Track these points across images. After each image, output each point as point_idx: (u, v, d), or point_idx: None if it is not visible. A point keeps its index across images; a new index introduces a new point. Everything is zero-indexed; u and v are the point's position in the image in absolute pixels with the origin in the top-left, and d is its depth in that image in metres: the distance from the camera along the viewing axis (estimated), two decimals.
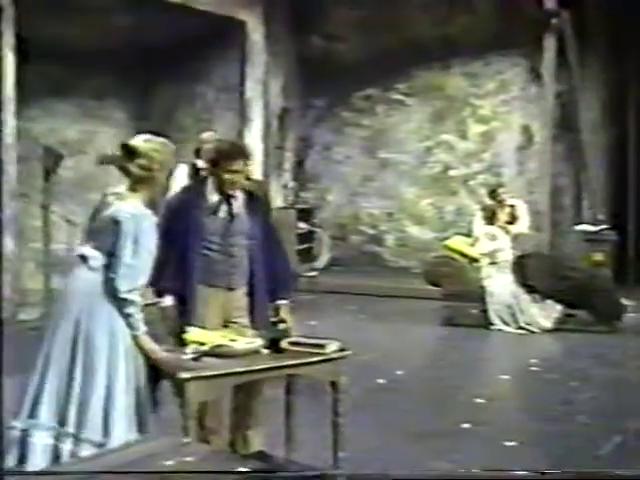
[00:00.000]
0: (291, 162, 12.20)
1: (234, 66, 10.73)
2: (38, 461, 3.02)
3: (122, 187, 3.37)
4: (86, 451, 3.01)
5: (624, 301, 7.93)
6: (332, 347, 3.51)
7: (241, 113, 10.62)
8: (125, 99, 11.94)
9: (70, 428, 3.07)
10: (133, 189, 3.31)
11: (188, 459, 2.29)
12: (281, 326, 3.53)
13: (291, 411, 3.89)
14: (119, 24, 10.11)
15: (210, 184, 3.80)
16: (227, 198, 3.77)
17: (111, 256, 3.20)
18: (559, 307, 7.85)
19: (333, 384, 3.55)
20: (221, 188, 3.74)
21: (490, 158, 11.67)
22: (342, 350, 3.55)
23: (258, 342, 3.48)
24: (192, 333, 3.46)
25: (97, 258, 3.24)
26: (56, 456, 3.05)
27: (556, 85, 10.57)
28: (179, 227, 3.68)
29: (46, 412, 3.09)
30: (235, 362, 3.32)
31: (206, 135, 6.37)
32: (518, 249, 8.34)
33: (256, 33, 10.63)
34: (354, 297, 9.86)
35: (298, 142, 12.51)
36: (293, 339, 3.51)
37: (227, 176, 3.70)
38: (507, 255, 8.14)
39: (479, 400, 5.15)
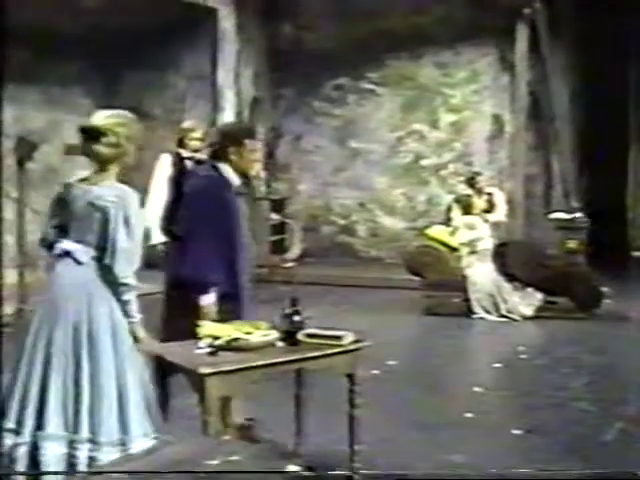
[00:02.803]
0: (262, 152, 12.03)
1: (205, 54, 10.53)
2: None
3: (85, 172, 3.19)
4: (106, 454, 2.90)
5: (602, 288, 8.00)
6: (349, 339, 3.44)
7: (213, 102, 10.43)
8: (91, 86, 11.60)
9: (84, 433, 2.93)
10: (104, 170, 3.14)
11: (234, 458, 2.18)
12: (296, 318, 3.42)
13: (301, 403, 3.81)
14: (86, 8, 9.81)
15: (227, 168, 3.71)
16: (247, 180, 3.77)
17: (102, 245, 3.06)
18: (539, 295, 7.89)
19: (349, 376, 3.48)
20: (244, 170, 3.71)
21: (461, 147, 11.70)
22: (358, 341, 3.48)
23: (274, 335, 3.38)
24: (206, 326, 3.35)
25: (84, 251, 3.08)
26: (71, 464, 2.91)
27: (527, 74, 10.64)
28: (222, 212, 3.59)
29: (54, 421, 2.94)
30: (252, 356, 3.22)
31: (188, 124, 6.19)
32: (496, 237, 8.38)
33: (227, 21, 10.46)
34: (331, 288, 9.78)
35: (269, 132, 12.36)
36: (309, 331, 3.42)
37: (251, 155, 3.69)
38: (487, 244, 8.15)
39: (477, 389, 5.13)
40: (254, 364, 3.15)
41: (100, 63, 11.40)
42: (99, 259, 3.08)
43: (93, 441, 2.93)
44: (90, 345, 3.00)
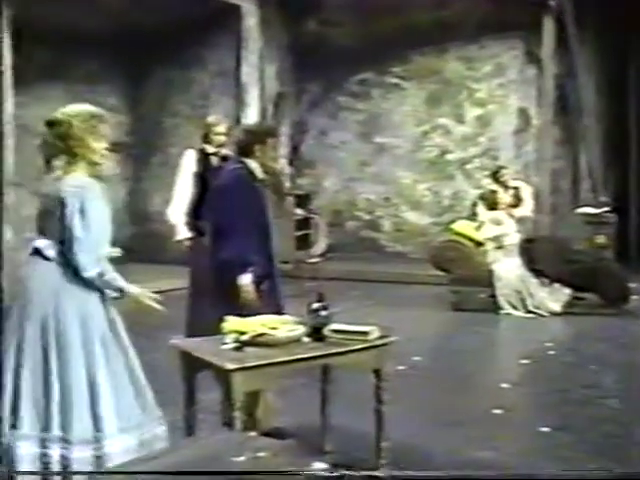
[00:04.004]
0: (286, 148, 12.03)
1: (229, 51, 10.54)
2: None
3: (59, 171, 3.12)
4: (80, 452, 2.86)
5: (630, 284, 7.89)
6: (375, 334, 3.41)
7: (237, 98, 10.43)
8: (117, 84, 11.70)
9: (55, 432, 2.89)
10: (69, 164, 3.05)
11: (260, 454, 2.16)
12: (323, 313, 3.40)
13: (327, 398, 3.80)
14: (111, 7, 9.87)
15: (253, 163, 3.96)
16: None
17: (63, 237, 2.99)
18: (567, 290, 7.80)
19: (376, 372, 3.45)
20: (267, 163, 3.99)
21: (487, 141, 11.62)
22: (384, 337, 3.46)
23: (300, 330, 3.37)
24: (231, 322, 3.34)
25: (50, 245, 3.03)
26: (44, 463, 2.86)
27: (554, 68, 10.51)
28: (255, 201, 3.90)
29: (27, 420, 2.89)
30: (278, 351, 3.21)
31: (213, 119, 6.10)
32: (523, 232, 8.30)
33: (251, 18, 10.43)
34: (356, 283, 9.76)
35: (293, 127, 12.36)
36: (335, 326, 3.40)
37: (273, 153, 4.04)
38: (513, 239, 8.07)
39: (505, 385, 5.09)
40: (280, 360, 3.13)
41: (125, 61, 11.47)
42: (63, 253, 3.01)
43: (65, 439, 2.88)
44: (58, 342, 2.94)
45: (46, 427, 2.89)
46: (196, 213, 5.31)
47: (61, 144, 3.05)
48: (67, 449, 2.86)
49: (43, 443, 2.88)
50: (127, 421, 2.99)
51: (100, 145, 3.10)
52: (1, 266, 6.42)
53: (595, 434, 4.15)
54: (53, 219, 3.00)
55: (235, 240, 3.74)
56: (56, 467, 2.86)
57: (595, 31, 10.65)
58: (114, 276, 3.08)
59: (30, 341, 2.95)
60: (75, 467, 2.85)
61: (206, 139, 5.82)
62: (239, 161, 4.02)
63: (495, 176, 8.68)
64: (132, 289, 3.11)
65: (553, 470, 3.59)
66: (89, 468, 2.86)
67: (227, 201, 3.91)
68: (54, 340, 2.94)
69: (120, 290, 3.06)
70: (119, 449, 2.91)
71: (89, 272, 2.98)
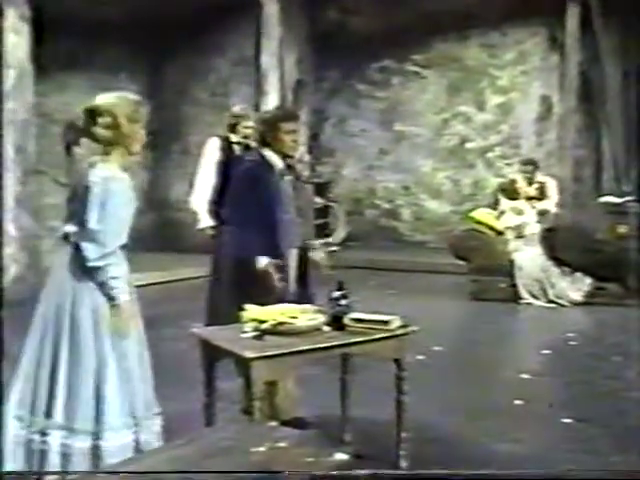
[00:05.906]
0: (306, 135, 11.98)
1: (249, 38, 10.48)
2: (19, 458, 2.84)
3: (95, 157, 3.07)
4: (81, 442, 2.84)
5: None
6: (396, 323, 3.38)
7: (257, 86, 10.39)
8: (138, 72, 11.70)
9: (58, 418, 2.86)
10: (106, 153, 3.00)
11: (281, 444, 2.15)
12: (343, 302, 3.38)
13: (346, 387, 3.78)
14: None
15: (269, 152, 3.87)
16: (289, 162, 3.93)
17: (82, 224, 2.94)
18: (589, 280, 7.72)
19: (397, 361, 3.43)
20: (283, 151, 3.87)
21: (508, 129, 11.53)
22: (405, 326, 3.43)
23: (320, 319, 3.35)
24: (250, 310, 3.33)
25: (73, 231, 2.99)
26: (41, 450, 2.85)
27: (578, 54, 10.37)
28: (263, 193, 3.79)
29: (15, 400, 2.90)
30: (298, 340, 3.19)
31: (238, 109, 6.02)
32: (543, 223, 8.21)
33: (271, 5, 10.36)
34: (375, 272, 9.74)
35: (313, 115, 12.31)
36: (356, 315, 3.37)
37: (288, 137, 3.84)
38: (534, 228, 8.00)
39: (525, 376, 5.04)
40: (300, 348, 3.11)
41: (144, 48, 11.47)
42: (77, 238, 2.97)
43: (69, 428, 2.85)
44: (72, 326, 2.91)
45: (47, 414, 2.87)
46: (218, 201, 5.29)
47: (108, 134, 2.98)
48: (70, 438, 2.84)
49: (44, 429, 2.86)
50: (128, 417, 2.94)
51: (141, 132, 3.06)
52: (1, 267, 6.39)
53: (618, 426, 4.10)
54: (78, 205, 2.97)
55: (234, 232, 3.82)
56: (55, 455, 2.84)
57: (621, 17, 10.48)
58: (119, 274, 2.96)
59: (41, 324, 2.94)
60: (75, 457, 2.83)
61: (233, 129, 5.76)
62: (257, 152, 3.96)
63: (522, 169, 8.53)
64: (124, 302, 2.97)
65: (576, 468, 3.54)
66: (87, 459, 2.83)
67: (231, 193, 3.97)
68: (68, 329, 2.90)
69: (112, 296, 2.95)
70: (117, 444, 2.87)
71: (94, 263, 2.90)
